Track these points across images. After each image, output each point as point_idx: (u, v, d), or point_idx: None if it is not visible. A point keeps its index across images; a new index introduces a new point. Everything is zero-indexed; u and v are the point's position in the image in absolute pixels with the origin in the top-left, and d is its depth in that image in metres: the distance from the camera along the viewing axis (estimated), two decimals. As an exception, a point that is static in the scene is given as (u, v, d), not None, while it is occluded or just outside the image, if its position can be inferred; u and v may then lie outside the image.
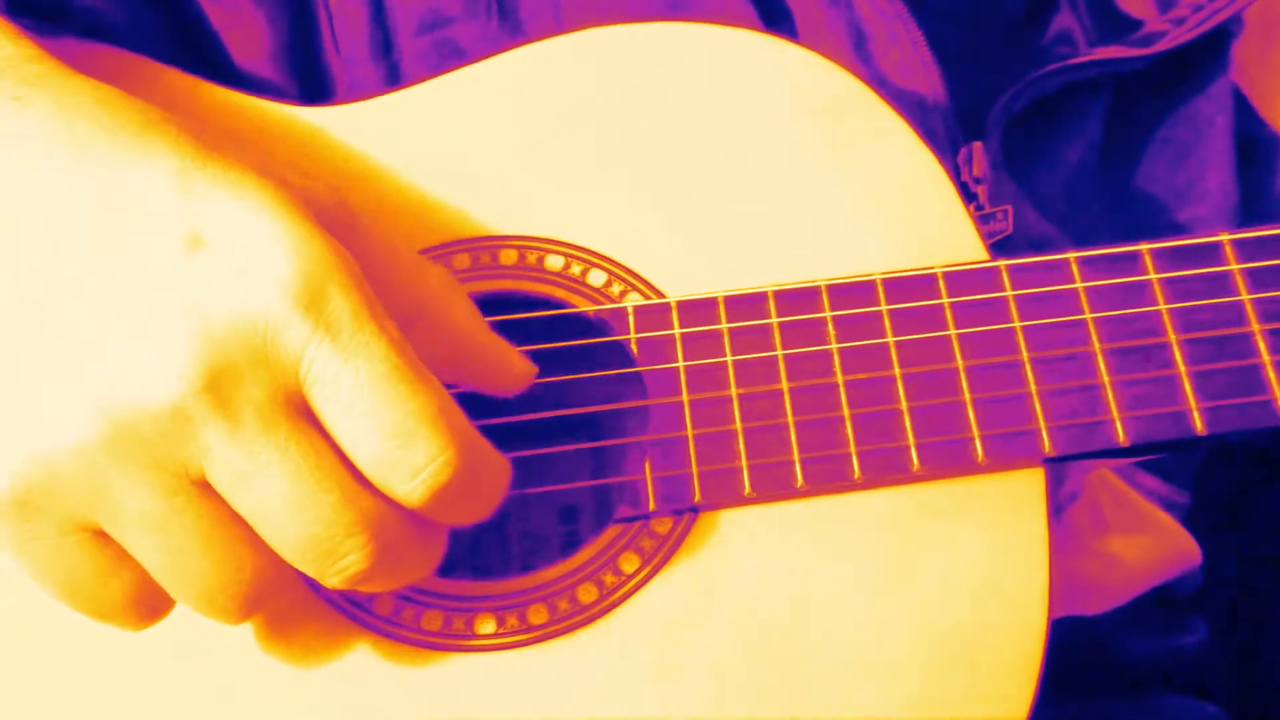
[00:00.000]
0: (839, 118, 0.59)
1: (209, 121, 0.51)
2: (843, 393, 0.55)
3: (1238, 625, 0.84)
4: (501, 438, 0.49)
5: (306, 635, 0.52)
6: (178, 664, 0.52)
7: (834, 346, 0.55)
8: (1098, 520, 0.73)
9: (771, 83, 0.60)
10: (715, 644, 0.52)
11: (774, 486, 0.54)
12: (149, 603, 0.47)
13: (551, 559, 0.54)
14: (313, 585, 0.52)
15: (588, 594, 0.53)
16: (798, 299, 0.56)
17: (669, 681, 0.51)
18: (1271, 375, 0.55)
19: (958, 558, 0.53)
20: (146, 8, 0.64)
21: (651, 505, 0.54)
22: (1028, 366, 0.55)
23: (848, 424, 0.54)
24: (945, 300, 0.56)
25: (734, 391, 0.55)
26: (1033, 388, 0.55)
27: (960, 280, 0.56)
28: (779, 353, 0.55)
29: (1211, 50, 0.79)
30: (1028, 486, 0.54)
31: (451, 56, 0.64)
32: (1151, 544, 0.75)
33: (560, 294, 0.57)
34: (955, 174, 0.63)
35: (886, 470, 0.54)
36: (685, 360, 0.56)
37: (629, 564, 0.53)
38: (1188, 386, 0.55)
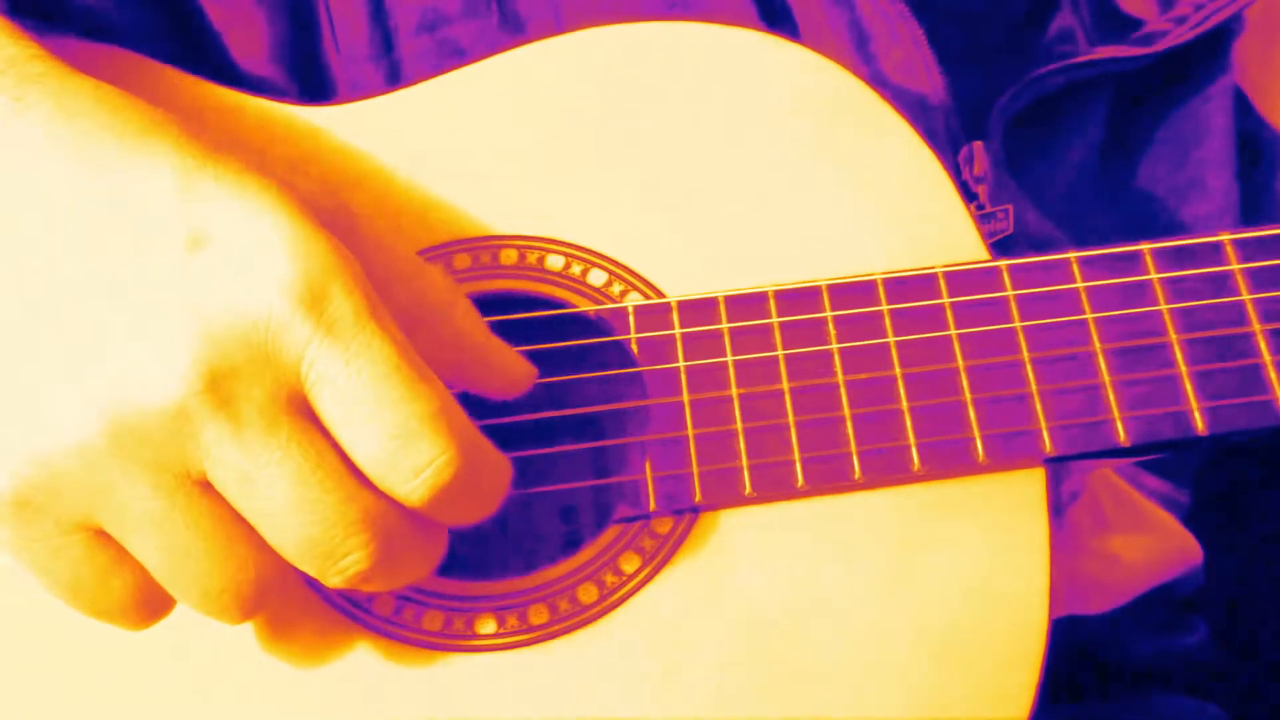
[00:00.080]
0: (839, 117, 0.59)
1: (209, 122, 0.51)
2: (843, 392, 0.55)
3: (1238, 625, 0.84)
4: (502, 437, 0.49)
5: (306, 635, 0.52)
6: (177, 663, 0.52)
7: (835, 346, 0.55)
8: (1098, 519, 0.73)
9: (772, 82, 0.60)
10: (716, 644, 0.52)
11: (775, 486, 0.54)
12: (150, 603, 0.47)
13: (552, 559, 0.54)
14: (313, 585, 0.52)
15: (588, 594, 0.53)
16: (798, 299, 0.56)
17: (669, 681, 0.51)
18: (1272, 375, 0.55)
19: (958, 557, 0.53)
20: (147, 7, 0.64)
21: (652, 505, 0.54)
22: (1028, 366, 0.55)
23: (848, 424, 0.54)
24: (946, 300, 0.56)
25: (734, 391, 0.55)
26: (1033, 387, 0.55)
27: (961, 280, 0.56)
28: (779, 352, 0.55)
29: (1212, 50, 0.79)
30: (1028, 486, 0.54)
31: (452, 56, 0.64)
32: (1152, 543, 0.75)
33: (561, 294, 0.57)
34: (956, 173, 0.63)
35: (887, 470, 0.54)
36: (686, 360, 0.56)
37: (629, 564, 0.53)
38: (1188, 386, 0.55)
